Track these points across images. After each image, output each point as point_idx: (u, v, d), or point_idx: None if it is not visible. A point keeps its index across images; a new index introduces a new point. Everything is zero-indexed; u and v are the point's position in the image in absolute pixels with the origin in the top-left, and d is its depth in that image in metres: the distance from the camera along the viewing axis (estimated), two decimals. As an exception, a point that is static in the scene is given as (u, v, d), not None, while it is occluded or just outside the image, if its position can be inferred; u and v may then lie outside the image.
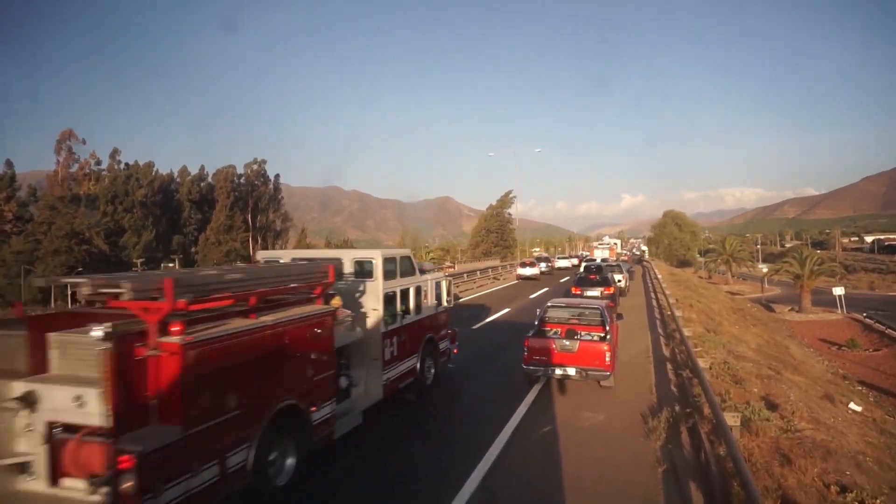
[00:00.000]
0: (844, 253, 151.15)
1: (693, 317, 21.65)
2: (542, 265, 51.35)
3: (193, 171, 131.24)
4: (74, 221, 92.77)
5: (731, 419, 7.65)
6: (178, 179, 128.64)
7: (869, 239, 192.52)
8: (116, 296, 5.92)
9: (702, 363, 10.87)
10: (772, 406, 10.20)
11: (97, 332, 5.36)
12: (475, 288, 37.52)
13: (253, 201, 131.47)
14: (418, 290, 11.63)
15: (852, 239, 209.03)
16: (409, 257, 11.52)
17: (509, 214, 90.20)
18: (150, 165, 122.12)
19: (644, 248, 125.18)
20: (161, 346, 5.67)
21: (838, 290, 52.63)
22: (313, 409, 7.80)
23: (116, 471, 5.14)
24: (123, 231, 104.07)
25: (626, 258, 72.67)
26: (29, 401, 5.80)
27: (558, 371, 11.48)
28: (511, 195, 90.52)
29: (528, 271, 46.99)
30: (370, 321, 10.04)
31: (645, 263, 72.82)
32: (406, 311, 11.02)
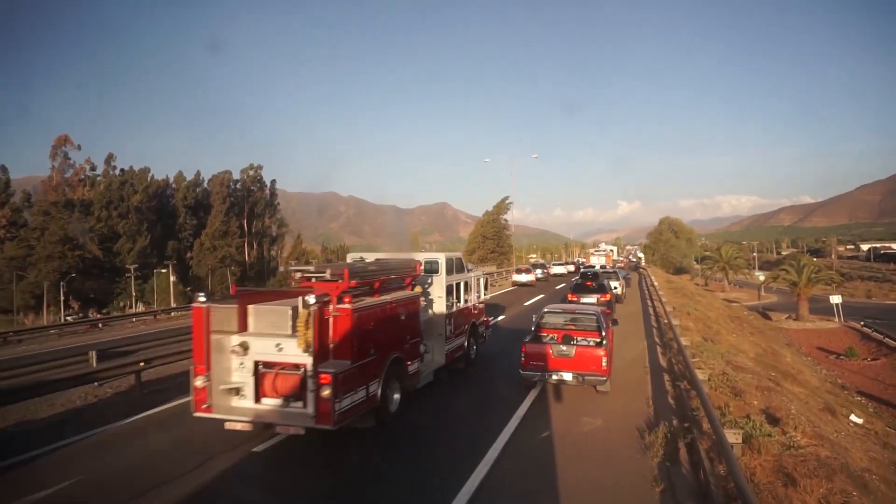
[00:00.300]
0: (840, 261, 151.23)
1: (690, 325, 21.30)
2: (538, 272, 50.97)
3: (190, 176, 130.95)
4: (68, 227, 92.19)
5: (733, 436, 7.28)
6: (173, 185, 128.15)
7: (865, 247, 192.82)
8: (310, 278, 9.83)
9: (700, 375, 10.51)
10: (773, 420, 9.82)
11: (311, 299, 8.48)
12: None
13: (249, 207, 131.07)
14: (467, 284, 14.94)
15: (848, 247, 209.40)
16: (460, 259, 15.10)
17: (505, 221, 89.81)
18: (145, 171, 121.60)
19: (640, 254, 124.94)
20: (339, 310, 8.86)
21: (835, 299, 52.37)
22: (409, 363, 11.14)
23: (319, 384, 8.31)
24: (118, 237, 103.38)
25: (622, 265, 72.33)
26: (244, 347, 9.08)
27: (555, 376, 11.64)
28: (507, 201, 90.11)
29: (523, 278, 46.60)
30: (436, 306, 13.45)
31: (641, 270, 72.52)
32: (458, 300, 14.30)
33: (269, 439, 9.45)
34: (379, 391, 9.68)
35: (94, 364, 14.17)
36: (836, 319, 52.36)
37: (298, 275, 10.45)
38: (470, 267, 16.03)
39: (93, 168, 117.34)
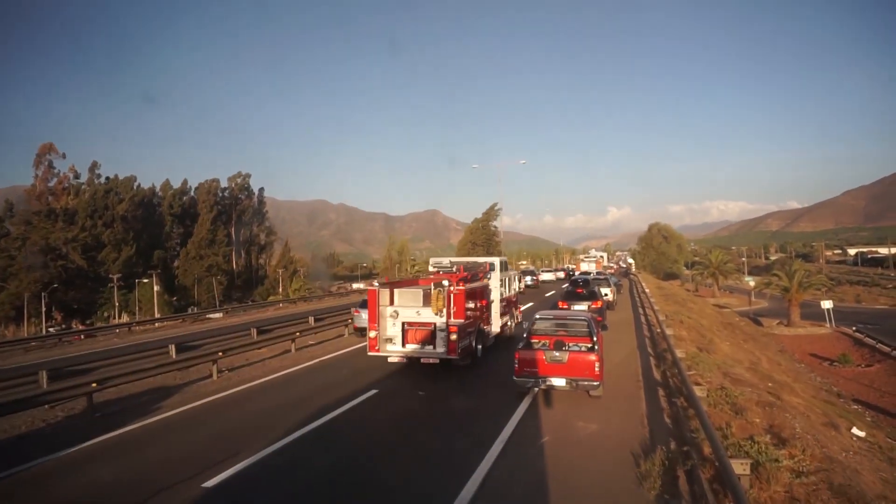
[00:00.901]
0: (828, 266, 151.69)
1: (684, 334, 20.53)
2: (528, 279, 50.07)
3: (178, 185, 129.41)
4: (50, 237, 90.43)
5: (740, 467, 6.45)
6: (160, 193, 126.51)
7: (852, 252, 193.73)
8: (438, 270, 18.74)
9: (698, 392, 9.72)
10: (779, 440, 9.00)
11: (445, 282, 14.70)
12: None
13: (236, 215, 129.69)
14: (511, 279, 21.28)
15: (835, 252, 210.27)
16: (506, 261, 22.11)
17: (495, 227, 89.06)
18: (130, 179, 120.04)
19: (630, 260, 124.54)
20: (457, 290, 14.60)
21: (826, 304, 51.95)
22: (486, 326, 17.47)
23: (448, 332, 14.54)
24: (102, 246, 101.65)
25: (612, 271, 71.55)
26: (396, 313, 15.19)
27: (549, 382, 11.84)
28: (497, 208, 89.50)
29: None
30: (494, 293, 18.94)
31: (632, 276, 71.89)
32: (506, 290, 20.04)
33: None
34: (473, 342, 15.94)
35: (45, 385, 13.14)
36: (828, 325, 51.90)
37: (433, 268, 19.99)
38: (509, 267, 23.11)
39: (77, 176, 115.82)
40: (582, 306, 23.73)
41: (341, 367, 16.43)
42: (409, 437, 10.18)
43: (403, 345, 15.32)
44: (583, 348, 12.42)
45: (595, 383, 11.52)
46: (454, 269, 17.97)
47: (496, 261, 19.71)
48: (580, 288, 26.08)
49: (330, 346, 20.32)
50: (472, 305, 15.50)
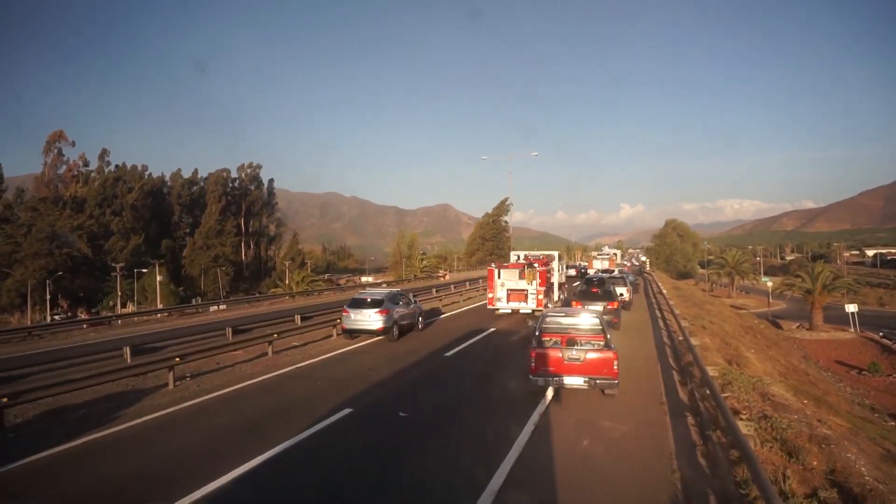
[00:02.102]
0: (847, 267, 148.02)
1: (708, 342, 18.50)
2: (570, 270, 48.27)
3: (189, 174, 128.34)
4: (56, 224, 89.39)
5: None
6: (169, 182, 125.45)
7: (870, 253, 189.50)
8: (528, 257, 32.84)
9: (743, 428, 7.71)
10: (850, 499, 6.99)
11: (536, 265, 26.98)
12: (461, 301, 34.30)
13: (246, 205, 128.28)
14: (561, 267, 35.08)
15: (853, 253, 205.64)
16: (561, 254, 38.87)
17: (506, 222, 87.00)
18: (139, 168, 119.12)
19: (644, 258, 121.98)
20: (541, 270, 26.39)
21: (851, 308, 49.52)
22: (550, 293, 29.22)
23: (537, 293, 25.84)
24: (110, 234, 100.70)
25: (626, 268, 69.09)
26: (503, 283, 26.11)
27: (566, 381, 11.59)
28: (507, 202, 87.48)
29: None
30: (554, 276, 30.63)
31: (646, 275, 69.51)
32: (559, 274, 32.63)
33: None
34: (546, 301, 25.69)
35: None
36: (852, 329, 49.52)
37: (514, 257, 33.28)
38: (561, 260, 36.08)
39: (86, 164, 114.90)
40: (597, 307, 21.98)
41: (318, 376, 14.54)
42: (380, 481, 8.00)
43: (507, 303, 26.08)
44: (596, 346, 12.37)
45: (614, 382, 11.41)
46: (521, 259, 31.53)
47: (555, 253, 35.70)
48: (595, 287, 24.16)
49: (313, 350, 18.45)
50: (546, 279, 27.04)
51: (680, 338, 17.72)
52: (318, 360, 16.65)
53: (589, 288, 24.29)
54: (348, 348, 18.55)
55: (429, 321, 24.93)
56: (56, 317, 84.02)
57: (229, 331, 18.85)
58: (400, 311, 20.55)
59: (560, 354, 11.71)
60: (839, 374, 35.02)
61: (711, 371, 11.23)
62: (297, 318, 23.09)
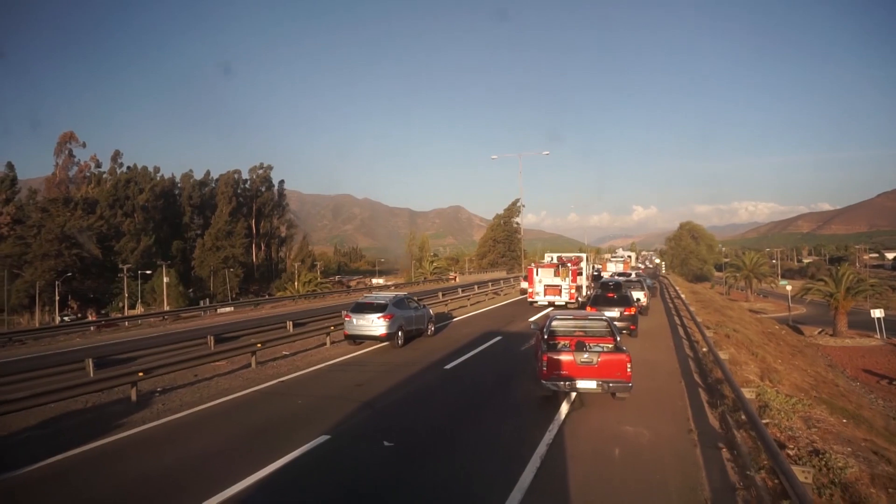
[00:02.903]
0: (867, 270, 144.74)
1: (735, 353, 16.88)
2: (595, 271, 46.53)
3: (202, 176, 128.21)
4: (66, 225, 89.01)
5: None
6: (180, 184, 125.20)
7: (889, 256, 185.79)
8: (562, 258, 36.68)
9: (800, 474, 6.21)
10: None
11: (569, 265, 32.57)
12: (469, 306, 32.75)
13: (257, 207, 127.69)
14: (589, 267, 37.57)
15: (871, 255, 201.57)
16: (588, 256, 44.33)
17: (517, 224, 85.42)
18: (150, 169, 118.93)
19: (658, 260, 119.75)
20: (573, 268, 31.73)
21: (877, 313, 47.31)
22: (581, 288, 32.90)
23: (570, 288, 30.79)
24: (122, 235, 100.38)
25: (641, 271, 67.23)
26: (541, 279, 31.32)
27: (579, 384, 11.27)
28: (518, 203, 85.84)
29: None
30: (584, 274, 34.32)
31: (661, 278, 67.64)
32: (586, 272, 34.98)
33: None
34: (577, 296, 30.48)
35: None
36: (878, 336, 47.37)
37: (547, 258, 36.74)
38: (589, 261, 38.53)
39: (98, 165, 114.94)
40: (613, 312, 20.63)
41: (300, 393, 12.96)
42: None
43: (544, 296, 30.74)
44: (606, 349, 12.19)
45: (628, 385, 11.16)
46: (554, 259, 34.98)
47: (584, 255, 38.50)
48: (611, 291, 22.63)
49: (302, 360, 16.95)
50: (578, 277, 31.72)
51: (704, 349, 16.17)
52: (305, 372, 15.16)
53: (604, 292, 22.77)
54: (341, 358, 17.08)
55: (440, 326, 23.66)
56: (66, 318, 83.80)
57: (211, 339, 17.44)
58: (406, 315, 19.52)
59: (572, 358, 11.37)
60: (868, 384, 33.08)
61: (747, 393, 9.68)
62: (290, 324, 21.60)
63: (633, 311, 21.25)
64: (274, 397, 12.64)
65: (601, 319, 13.37)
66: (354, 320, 18.41)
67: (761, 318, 51.94)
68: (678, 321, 25.50)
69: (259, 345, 15.83)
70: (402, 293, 22.04)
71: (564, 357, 11.45)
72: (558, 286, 30.54)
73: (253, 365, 15.46)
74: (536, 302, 30.97)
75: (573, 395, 11.78)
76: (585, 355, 11.38)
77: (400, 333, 18.75)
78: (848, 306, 49.67)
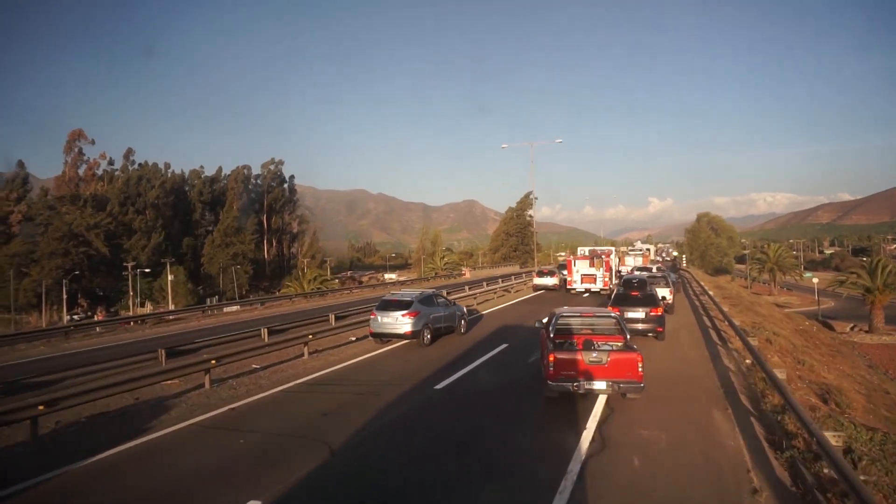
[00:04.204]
0: (894, 262, 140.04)
1: (777, 361, 14.26)
2: (565, 273, 43.72)
3: (213, 172, 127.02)
4: (74, 222, 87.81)
5: None
6: (190, 180, 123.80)
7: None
8: (597, 251, 42.85)
9: None
10: None
11: (603, 256, 37.58)
12: (475, 305, 29.93)
13: (268, 202, 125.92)
14: (617, 259, 44.79)
15: (893, 247, 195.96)
16: (616, 248, 57.24)
17: (530, 217, 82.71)
18: (161, 166, 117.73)
19: (675, 253, 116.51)
20: (606, 260, 35.95)
21: (917, 307, 44.35)
22: (612, 278, 35.99)
23: (604, 276, 34.71)
24: (133, 232, 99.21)
25: (660, 264, 63.94)
26: (579, 269, 35.31)
27: (588, 385, 10.67)
28: (531, 196, 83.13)
29: (546, 281, 39.73)
30: (613, 263, 39.08)
31: (681, 271, 64.51)
32: (614, 263, 39.78)
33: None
34: (611, 283, 33.40)
35: None
36: (918, 332, 44.31)
37: (580, 251, 44.14)
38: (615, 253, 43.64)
39: (111, 163, 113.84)
40: (638, 313, 18.53)
41: (247, 428, 10.18)
42: None
43: (581, 284, 34.17)
44: (616, 347, 11.80)
45: (640, 385, 10.61)
46: (587, 252, 39.90)
47: (612, 249, 45.90)
48: (635, 289, 20.13)
49: (270, 378, 14.19)
50: (609, 267, 34.98)
51: (748, 361, 13.55)
52: (267, 394, 12.47)
53: (628, 291, 20.21)
54: (318, 374, 14.29)
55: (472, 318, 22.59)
56: (75, 317, 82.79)
57: (162, 353, 14.70)
58: (433, 313, 18.73)
59: (581, 357, 10.79)
60: (916, 387, 30.24)
61: (833, 438, 7.08)
62: (264, 331, 18.55)
63: (659, 311, 18.84)
64: (212, 435, 10.03)
65: (609, 317, 12.88)
66: (379, 318, 17.88)
67: (790, 314, 48.90)
68: (708, 322, 22.81)
69: (214, 361, 13.23)
70: (429, 290, 21.39)
71: (573, 357, 10.85)
72: (593, 275, 34.38)
73: (207, 385, 12.86)
74: (574, 289, 34.64)
75: (591, 430, 9.29)
76: (594, 354, 10.79)
77: (426, 331, 18.01)
78: (885, 300, 46.59)
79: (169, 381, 12.95)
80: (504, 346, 17.77)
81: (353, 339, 19.68)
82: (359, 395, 12.24)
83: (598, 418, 10.05)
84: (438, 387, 12.79)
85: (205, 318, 32.88)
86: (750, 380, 12.31)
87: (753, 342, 13.78)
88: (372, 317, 18.35)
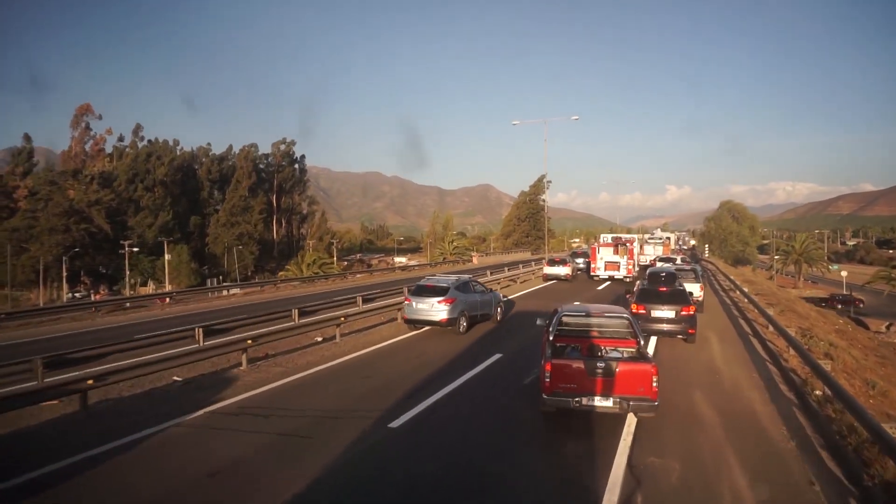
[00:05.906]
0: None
1: (847, 384, 10.87)
2: (580, 261, 40.25)
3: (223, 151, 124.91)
4: (74, 198, 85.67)
5: None
6: (199, 158, 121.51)
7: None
8: (621, 237, 47.11)
9: None
10: None
11: (627, 244, 38.55)
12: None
13: (278, 182, 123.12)
14: (640, 246, 47.42)
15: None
16: (638, 236, 57.56)
17: (543, 201, 79.27)
18: (170, 143, 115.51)
19: (693, 242, 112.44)
20: (629, 247, 37.09)
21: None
22: (636, 265, 39.32)
23: (627, 264, 35.85)
24: (139, 210, 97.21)
25: (679, 254, 59.29)
26: (602, 256, 36.50)
27: (590, 401, 8.83)
28: (545, 180, 79.51)
29: (557, 270, 36.44)
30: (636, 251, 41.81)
31: (703, 262, 60.58)
32: (636, 250, 41.97)
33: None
34: (635, 271, 36.16)
35: None
36: (964, 334, 40.56)
37: (604, 238, 46.83)
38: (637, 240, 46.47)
39: (121, 139, 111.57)
40: (667, 312, 15.94)
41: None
42: None
43: (604, 270, 35.62)
44: (626, 355, 10.24)
45: (653, 403, 8.76)
46: (610, 240, 41.50)
47: (635, 236, 50.15)
48: (663, 285, 17.23)
49: (185, 401, 10.40)
50: (633, 255, 36.58)
51: (817, 392, 10.18)
52: (155, 432, 8.69)
53: (654, 286, 17.22)
54: (266, 388, 11.30)
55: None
56: (77, 294, 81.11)
57: (38, 363, 11.50)
58: (470, 300, 18.08)
59: (584, 366, 9.10)
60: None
61: None
62: (199, 331, 14.67)
63: (692, 310, 16.06)
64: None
65: (621, 317, 10.88)
66: (414, 304, 17.27)
67: (823, 311, 45.30)
68: (746, 327, 19.35)
69: (90, 381, 9.61)
70: (465, 275, 20.25)
71: (574, 365, 9.21)
72: (617, 262, 35.38)
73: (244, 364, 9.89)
74: (598, 276, 35.78)
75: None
76: (600, 363, 9.13)
77: (463, 319, 17.41)
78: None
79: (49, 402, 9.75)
80: (498, 355, 14.45)
81: (320, 339, 16.51)
82: (284, 436, 8.96)
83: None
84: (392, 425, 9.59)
85: (179, 306, 29.71)
86: (831, 425, 8.85)
87: (827, 366, 10.40)
88: (406, 302, 17.80)
